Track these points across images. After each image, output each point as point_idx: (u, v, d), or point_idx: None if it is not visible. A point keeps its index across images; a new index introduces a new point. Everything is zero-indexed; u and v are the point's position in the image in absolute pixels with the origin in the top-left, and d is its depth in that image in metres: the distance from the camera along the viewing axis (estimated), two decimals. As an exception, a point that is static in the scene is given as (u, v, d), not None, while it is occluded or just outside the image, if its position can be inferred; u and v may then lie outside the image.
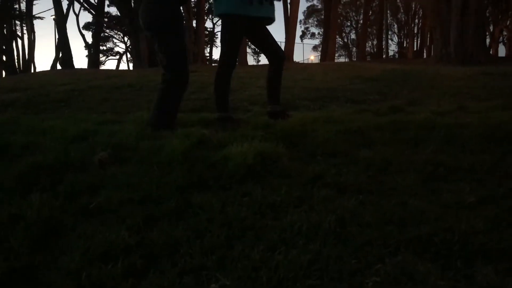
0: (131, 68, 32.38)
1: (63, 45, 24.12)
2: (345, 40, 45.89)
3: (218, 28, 43.90)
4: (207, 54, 39.23)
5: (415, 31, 37.96)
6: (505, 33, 31.34)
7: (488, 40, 26.86)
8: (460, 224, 1.37)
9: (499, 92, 5.65)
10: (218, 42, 44.60)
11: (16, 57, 27.82)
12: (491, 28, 30.52)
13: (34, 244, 1.37)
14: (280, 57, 3.53)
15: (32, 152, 2.33)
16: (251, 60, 32.91)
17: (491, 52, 25.67)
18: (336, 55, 29.70)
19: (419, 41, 36.48)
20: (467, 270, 1.13)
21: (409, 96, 5.89)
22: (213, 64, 34.14)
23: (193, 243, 1.33)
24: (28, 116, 4.26)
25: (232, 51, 3.33)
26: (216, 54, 54.45)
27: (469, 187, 1.77)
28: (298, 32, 46.32)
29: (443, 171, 1.99)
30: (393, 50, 40.05)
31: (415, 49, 36.00)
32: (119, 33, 38.49)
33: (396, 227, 1.39)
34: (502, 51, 32.43)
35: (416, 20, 37.57)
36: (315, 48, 44.41)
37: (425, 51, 33.13)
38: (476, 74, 7.97)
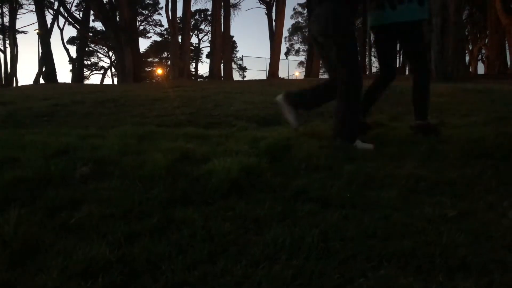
0: (115, 82, 32.26)
1: (46, 59, 23.95)
2: (329, 56, 46.48)
3: (203, 44, 44.21)
4: (193, 69, 39.36)
5: (397, 48, 38.70)
6: (483, 51, 32.23)
7: (467, 58, 27.60)
8: (441, 238, 1.39)
9: (479, 108, 5.78)
10: (203, 57, 44.83)
11: (-2, 71, 27.48)
12: (470, 46, 31.38)
13: (11, 261, 1.33)
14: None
15: (11, 167, 2.28)
16: (236, 76, 33.09)
17: (470, 70, 26.34)
18: (321, 71, 30.04)
19: (401, 59, 37.20)
20: (449, 284, 1.14)
21: (392, 112, 5.97)
22: (198, 79, 34.21)
23: (175, 259, 1.31)
24: (8, 131, 4.18)
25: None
26: (202, 69, 54.46)
27: (450, 201, 1.80)
28: (283, 49, 46.93)
29: (424, 186, 2.02)
30: (376, 67, 40.73)
31: (397, 66, 36.70)
32: (103, 47, 38.43)
33: (379, 241, 1.40)
34: (481, 68, 33.30)
35: (398, 38, 38.32)
36: (300, 64, 44.96)
37: (407, 68, 33.78)
38: (456, 91, 8.14)
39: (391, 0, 3.25)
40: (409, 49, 3.47)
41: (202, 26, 43.32)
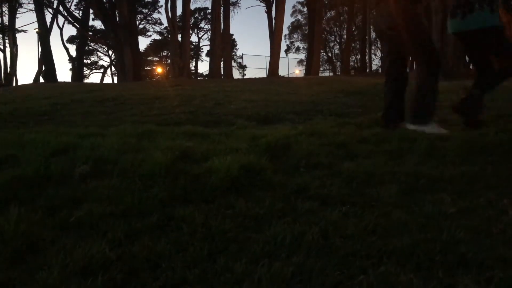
0: (115, 81, 32.26)
1: (46, 58, 23.95)
2: (329, 54, 46.54)
3: (203, 42, 44.19)
4: (192, 68, 39.36)
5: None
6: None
7: (467, 55, 27.50)
8: (441, 235, 1.39)
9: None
10: (203, 55, 44.83)
11: (-3, 70, 27.46)
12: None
13: (11, 260, 1.33)
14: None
15: (11, 165, 2.28)
16: (236, 74, 33.08)
17: (470, 67, 26.26)
18: (321, 69, 30.03)
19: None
20: (449, 280, 1.14)
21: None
22: (198, 78, 34.23)
23: (175, 257, 1.31)
24: (8, 130, 4.19)
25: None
26: (202, 67, 54.50)
27: (450, 198, 1.80)
28: (283, 47, 46.83)
29: (424, 183, 2.02)
30: (377, 65, 40.65)
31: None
32: (103, 46, 38.40)
33: (379, 238, 1.40)
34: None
35: (398, 36, 38.28)
36: (300, 62, 44.90)
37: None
38: (456, 88, 8.13)
39: (463, 10, 3.45)
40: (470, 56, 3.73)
41: (202, 25, 43.29)
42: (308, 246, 1.34)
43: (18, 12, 28.85)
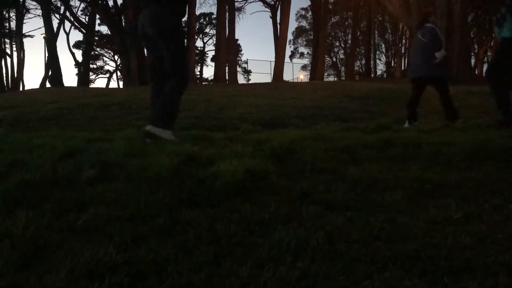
0: (121, 86, 32.40)
1: (52, 63, 24.12)
2: (334, 59, 46.56)
3: (208, 47, 44.35)
4: (197, 73, 39.49)
5: (402, 51, 38.69)
6: (489, 53, 32.06)
7: (473, 60, 27.48)
8: (446, 240, 1.39)
9: (484, 111, 5.76)
10: (208, 61, 44.99)
11: (4, 75, 27.68)
12: (476, 48, 31.25)
13: (19, 263, 1.34)
14: None
15: (18, 170, 2.30)
16: (241, 79, 33.13)
17: (476, 72, 26.23)
18: (325, 74, 30.01)
19: (406, 61, 37.11)
20: (454, 286, 1.14)
21: (396, 115, 5.98)
22: (203, 83, 34.30)
23: (181, 260, 1.32)
24: (16, 134, 4.22)
25: None
26: (207, 72, 54.68)
27: (455, 203, 1.80)
28: (288, 52, 46.84)
29: (429, 188, 2.01)
30: (381, 70, 40.69)
31: (402, 68, 36.61)
32: (109, 51, 38.64)
33: (384, 243, 1.40)
34: (487, 71, 33.04)
35: (403, 41, 38.34)
36: (304, 67, 44.92)
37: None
38: (461, 93, 8.12)
39: (500, 19, 3.81)
40: None
41: (207, 30, 43.47)
42: (313, 250, 1.35)
43: (25, 18, 29.12)
